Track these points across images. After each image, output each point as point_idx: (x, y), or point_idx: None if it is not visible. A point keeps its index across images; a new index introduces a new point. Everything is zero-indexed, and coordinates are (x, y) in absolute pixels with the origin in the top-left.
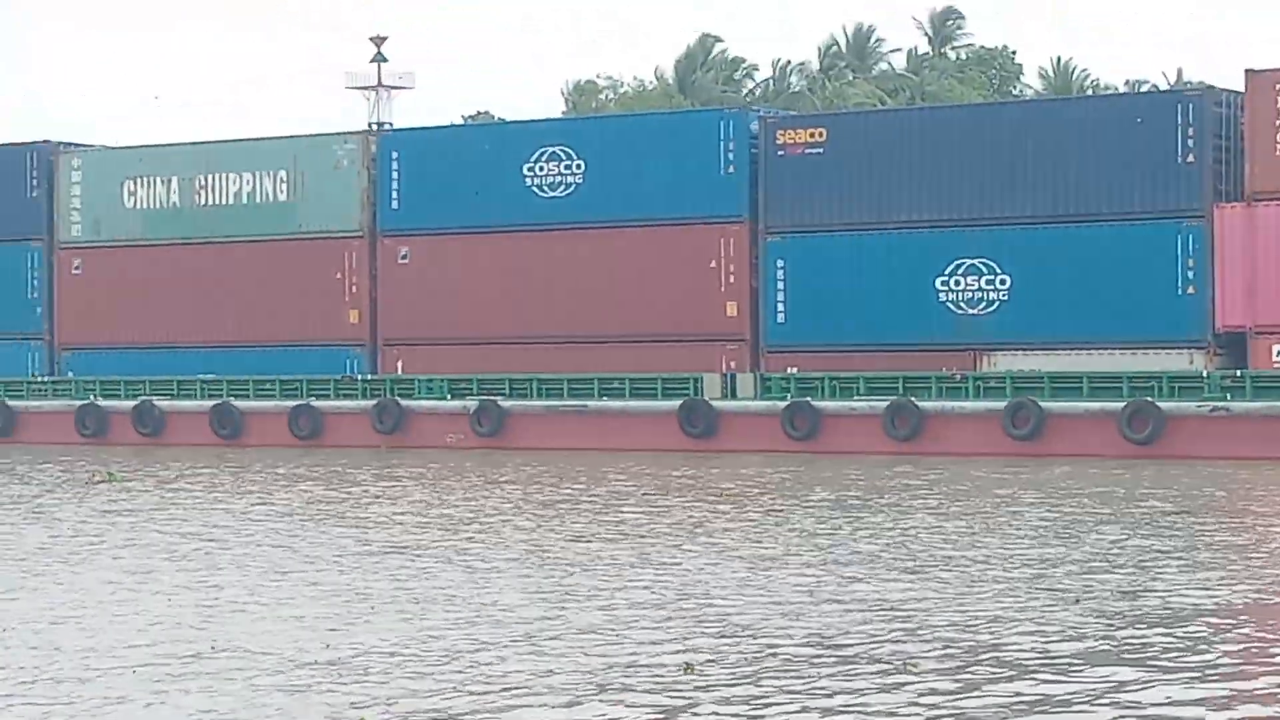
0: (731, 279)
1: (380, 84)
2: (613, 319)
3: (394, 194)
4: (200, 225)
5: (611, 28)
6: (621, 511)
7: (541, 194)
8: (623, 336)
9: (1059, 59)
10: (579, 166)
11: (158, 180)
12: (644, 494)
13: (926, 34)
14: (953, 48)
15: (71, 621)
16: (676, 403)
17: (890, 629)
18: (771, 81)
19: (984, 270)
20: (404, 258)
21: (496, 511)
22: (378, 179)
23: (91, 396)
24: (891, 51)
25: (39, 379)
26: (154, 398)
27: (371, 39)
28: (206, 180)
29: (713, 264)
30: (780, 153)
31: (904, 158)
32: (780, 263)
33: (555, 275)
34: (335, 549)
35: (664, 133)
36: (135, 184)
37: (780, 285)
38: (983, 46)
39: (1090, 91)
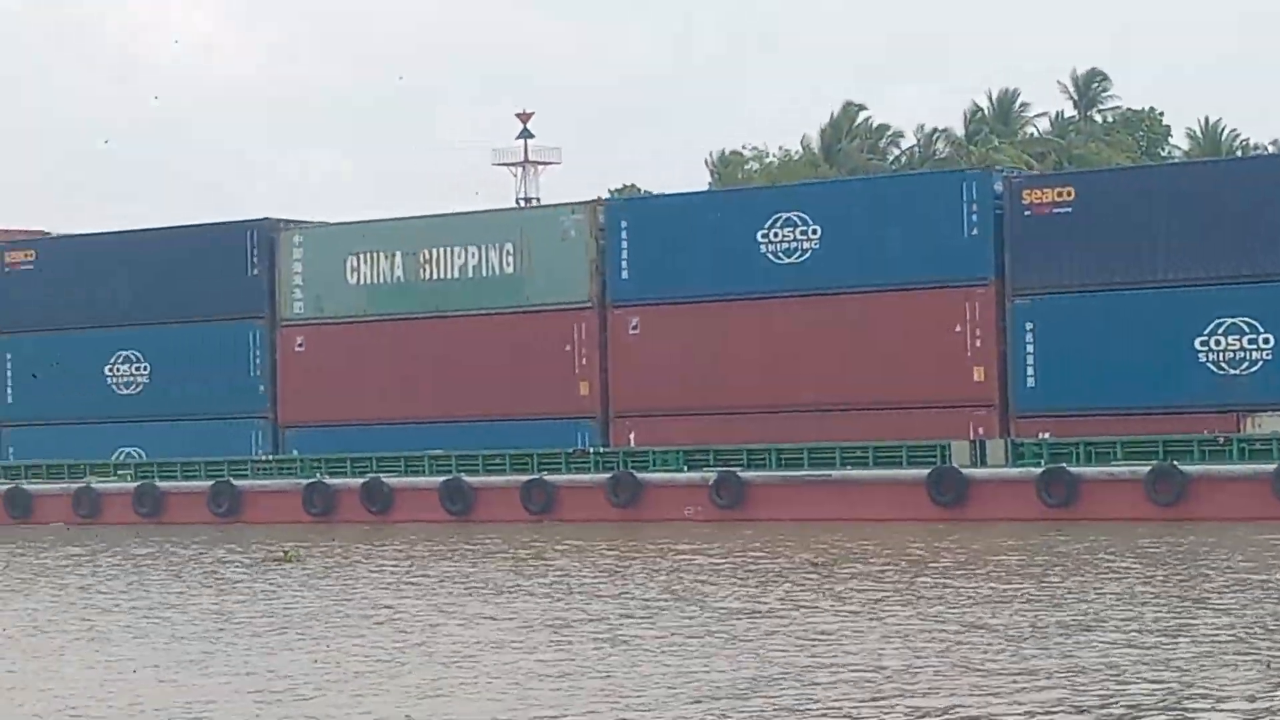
0: (978, 343)
1: (527, 159)
2: (853, 386)
3: (623, 263)
4: (426, 300)
5: (756, 98)
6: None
7: (776, 260)
8: (864, 404)
9: (1207, 119)
10: (814, 232)
11: (381, 255)
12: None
13: (1072, 97)
14: (1099, 110)
15: None
16: (924, 471)
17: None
18: (917, 148)
19: (1246, 329)
20: (634, 328)
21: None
22: (606, 249)
23: (318, 475)
24: (1037, 115)
25: (264, 458)
26: (382, 475)
27: (518, 115)
28: (431, 254)
29: (958, 328)
30: (1027, 213)
31: (1158, 215)
32: (1029, 325)
33: (792, 343)
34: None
35: (903, 196)
36: (358, 259)
37: (1030, 348)
38: (1129, 108)
39: (1239, 153)
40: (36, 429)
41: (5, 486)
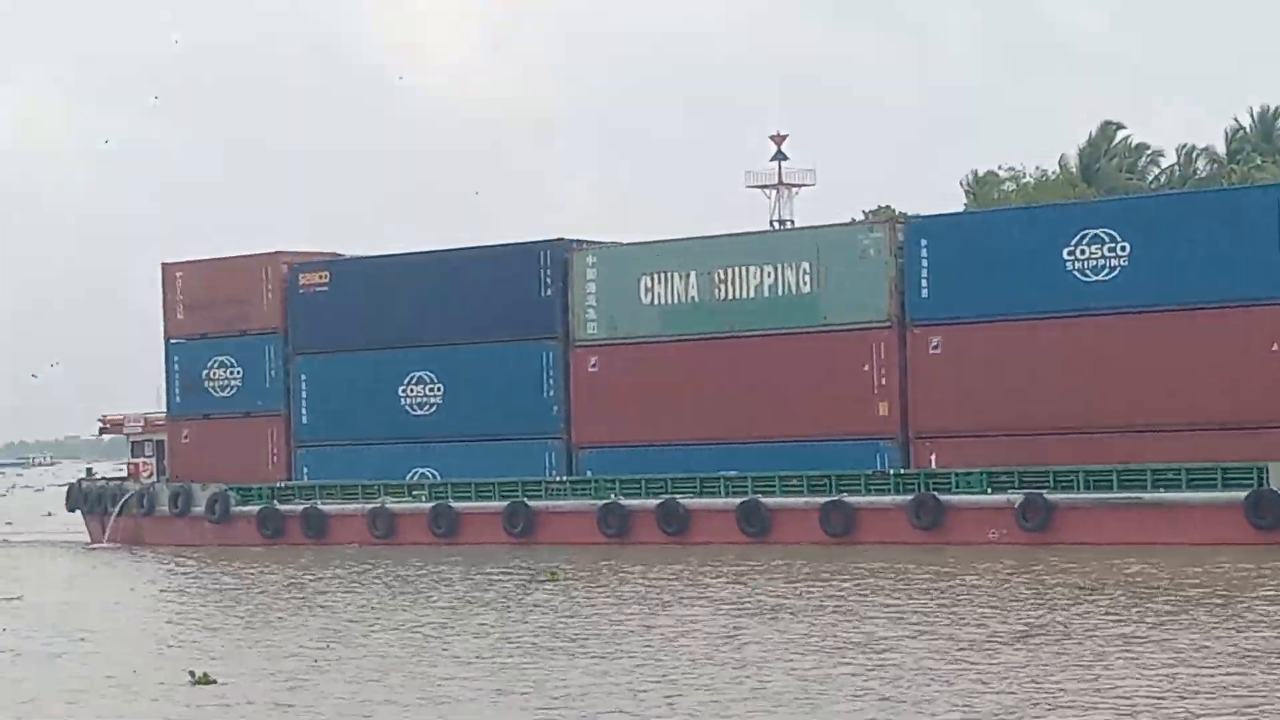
0: None
1: (781, 182)
2: (1163, 406)
3: (924, 281)
4: (720, 320)
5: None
6: None
7: (1083, 278)
8: (1176, 425)
9: None
10: (1123, 249)
11: (675, 275)
12: None
13: None
14: None
15: None
16: (1241, 494)
17: None
18: (1177, 168)
19: None
20: (935, 347)
21: None
22: (905, 267)
23: (613, 496)
24: None
25: (558, 479)
26: (678, 496)
27: (771, 137)
28: (726, 274)
29: (1276, 346)
30: None
31: None
32: None
33: (1100, 362)
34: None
35: (1216, 211)
36: (652, 280)
37: None
38: None
39: None
40: (330, 449)
41: (301, 507)
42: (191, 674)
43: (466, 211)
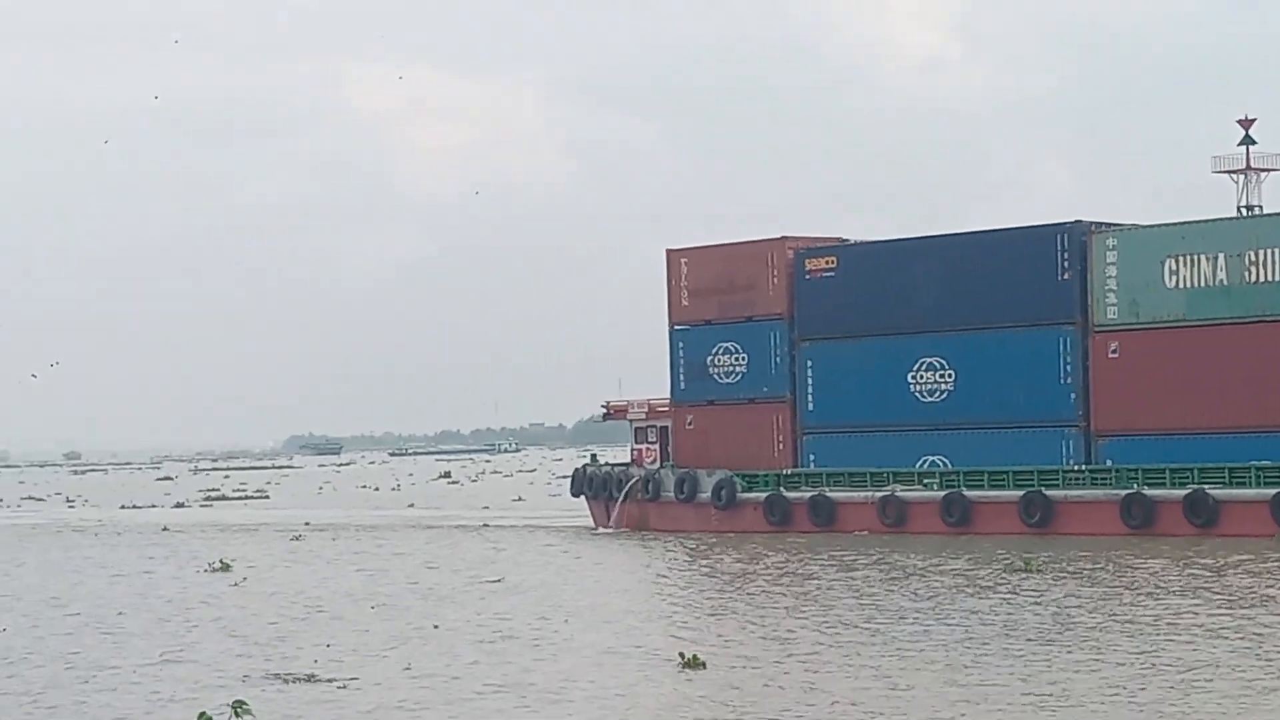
0: None
1: (1249, 167)
2: None
3: None
4: (1252, 303)
5: None
6: None
7: None
8: None
9: None
10: None
11: (1202, 258)
12: None
13: None
14: None
15: None
16: None
17: None
18: None
19: None
20: None
21: None
22: None
23: (1135, 485)
24: None
25: (1076, 468)
26: (1206, 486)
27: (1239, 121)
28: (1258, 256)
29: None
30: None
31: None
32: None
33: None
34: None
35: None
36: (1176, 262)
37: None
38: None
39: None
40: (836, 436)
41: (809, 494)
42: (681, 655)
43: (937, 199)
